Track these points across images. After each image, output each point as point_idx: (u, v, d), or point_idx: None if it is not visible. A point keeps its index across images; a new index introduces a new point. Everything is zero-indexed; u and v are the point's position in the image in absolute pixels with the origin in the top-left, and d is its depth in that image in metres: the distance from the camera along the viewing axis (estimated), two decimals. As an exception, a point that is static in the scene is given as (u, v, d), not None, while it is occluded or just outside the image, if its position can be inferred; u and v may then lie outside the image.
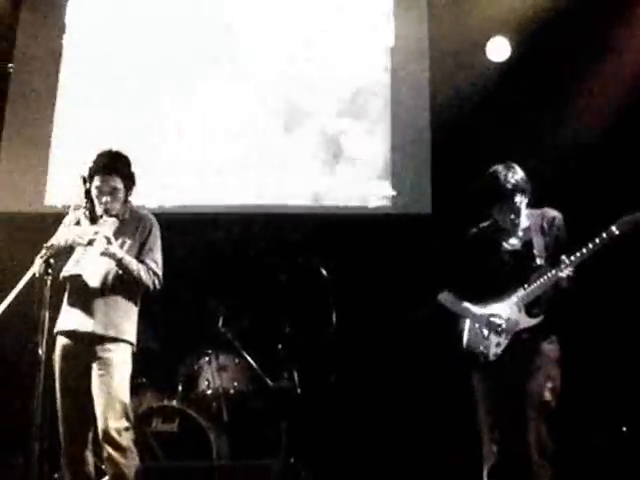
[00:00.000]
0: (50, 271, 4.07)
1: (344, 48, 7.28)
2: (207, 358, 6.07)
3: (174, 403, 5.84)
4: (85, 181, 4.43)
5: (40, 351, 4.03)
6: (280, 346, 6.10)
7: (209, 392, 5.98)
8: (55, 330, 4.63)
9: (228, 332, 6.16)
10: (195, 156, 7.14)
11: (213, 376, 6.00)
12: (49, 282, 4.06)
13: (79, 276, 4.53)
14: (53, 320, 4.33)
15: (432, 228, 6.52)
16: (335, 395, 5.89)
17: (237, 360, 6.12)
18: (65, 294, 4.70)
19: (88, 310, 4.57)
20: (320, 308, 5.88)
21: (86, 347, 4.56)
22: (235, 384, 6.03)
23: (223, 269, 6.63)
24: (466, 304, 4.60)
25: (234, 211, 7.01)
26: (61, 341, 4.64)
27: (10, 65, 7.65)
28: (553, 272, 4.27)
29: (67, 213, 4.50)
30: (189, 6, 7.55)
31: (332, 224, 6.82)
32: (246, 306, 6.36)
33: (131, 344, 4.66)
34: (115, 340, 4.57)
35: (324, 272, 5.91)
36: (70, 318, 4.63)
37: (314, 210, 6.97)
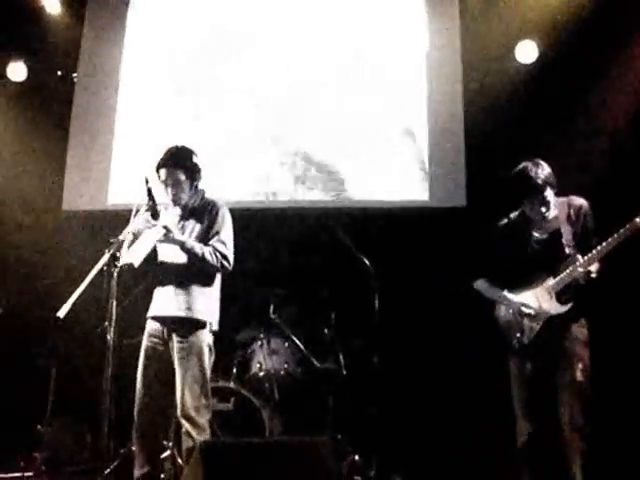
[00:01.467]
0: (117, 264, 4.17)
1: (382, 51, 7.28)
2: (259, 342, 6.13)
3: (229, 384, 5.91)
4: (147, 181, 4.48)
5: (109, 336, 4.12)
6: (326, 331, 6.16)
7: (261, 374, 6.04)
8: (147, 315, 4.80)
9: (278, 318, 6.23)
10: (251, 154, 7.20)
11: (265, 359, 6.05)
12: (116, 274, 4.15)
13: (131, 264, 4.58)
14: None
15: (467, 220, 6.51)
16: (377, 376, 5.89)
17: (287, 344, 6.16)
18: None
19: (169, 296, 4.71)
20: (363, 296, 5.91)
21: (168, 330, 4.68)
22: (285, 366, 6.08)
23: (274, 261, 6.70)
24: (501, 291, 4.60)
25: (284, 206, 7.09)
26: (148, 325, 4.80)
27: (74, 74, 7.77)
28: (581, 264, 4.26)
29: (130, 211, 4.55)
30: (246, 13, 7.58)
31: (373, 217, 6.88)
32: (295, 294, 6.40)
33: (210, 325, 4.73)
34: (194, 323, 4.66)
35: (367, 262, 5.93)
36: (155, 304, 4.79)
37: (357, 204, 7.00)
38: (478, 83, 6.90)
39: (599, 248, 4.24)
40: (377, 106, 7.14)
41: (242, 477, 3.40)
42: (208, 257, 4.64)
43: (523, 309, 4.44)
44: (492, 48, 6.89)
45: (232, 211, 4.95)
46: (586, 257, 4.27)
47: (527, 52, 6.89)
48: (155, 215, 4.57)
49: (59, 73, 7.85)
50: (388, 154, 7.03)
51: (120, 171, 7.38)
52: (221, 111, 7.35)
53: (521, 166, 4.49)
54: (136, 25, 7.78)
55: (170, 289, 4.71)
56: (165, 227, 4.57)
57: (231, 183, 6.88)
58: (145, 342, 4.76)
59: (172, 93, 7.49)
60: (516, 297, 4.51)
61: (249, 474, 3.43)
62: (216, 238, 4.73)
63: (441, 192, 6.91)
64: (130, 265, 4.52)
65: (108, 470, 5.24)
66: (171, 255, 4.72)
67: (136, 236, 4.64)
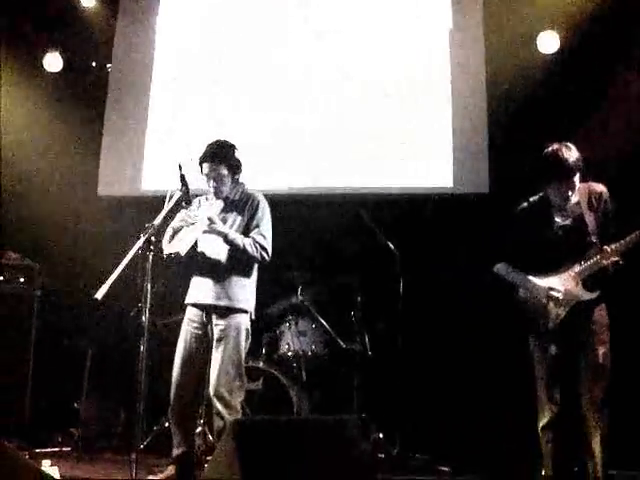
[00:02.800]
0: (152, 248, 4.17)
1: (405, 37, 7.20)
2: (287, 324, 6.16)
3: (259, 364, 5.93)
4: (180, 167, 4.49)
5: (144, 318, 4.13)
6: (353, 313, 6.15)
7: (290, 354, 6.07)
8: (185, 302, 4.84)
9: (306, 300, 6.24)
10: (277, 143, 7.17)
11: (293, 340, 6.07)
12: (150, 257, 4.16)
13: (177, 253, 4.62)
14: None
15: (490, 206, 6.46)
16: (401, 357, 5.88)
17: (314, 325, 6.18)
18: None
19: (207, 283, 4.74)
20: (389, 279, 5.89)
21: (207, 316, 4.73)
22: (313, 347, 6.10)
23: (302, 245, 6.70)
24: (524, 275, 4.53)
25: (312, 192, 7.07)
26: (188, 311, 4.84)
27: (109, 65, 7.78)
28: (609, 253, 4.20)
29: (164, 196, 4.54)
30: (274, 9, 7.53)
31: (398, 203, 6.85)
32: (323, 278, 6.40)
33: (247, 312, 4.77)
34: (231, 309, 4.69)
35: (392, 246, 5.91)
36: (195, 292, 4.82)
37: (382, 190, 6.95)
38: (501, 71, 6.81)
39: (628, 239, 4.17)
40: (401, 93, 7.07)
41: (273, 454, 3.39)
42: (248, 249, 4.68)
43: (552, 293, 4.35)
44: (514, 38, 6.82)
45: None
46: (614, 247, 4.20)
47: (548, 43, 6.82)
48: (188, 201, 4.59)
49: (94, 64, 7.88)
50: (412, 140, 6.96)
51: (154, 158, 7.39)
52: (251, 99, 7.31)
53: (552, 147, 4.35)
54: (169, 14, 7.77)
55: (210, 278, 4.75)
56: (209, 218, 4.61)
57: (261, 170, 6.85)
58: (184, 327, 4.80)
59: (205, 81, 7.46)
60: (542, 281, 4.43)
61: (280, 451, 3.41)
62: (256, 230, 4.77)
63: (465, 178, 6.85)
64: (177, 254, 4.59)
65: (142, 446, 5.25)
66: (212, 245, 4.75)
67: (176, 230, 4.70)
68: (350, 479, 3.51)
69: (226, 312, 4.69)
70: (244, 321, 4.74)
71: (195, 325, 4.76)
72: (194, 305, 4.81)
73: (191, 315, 4.80)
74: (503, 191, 6.42)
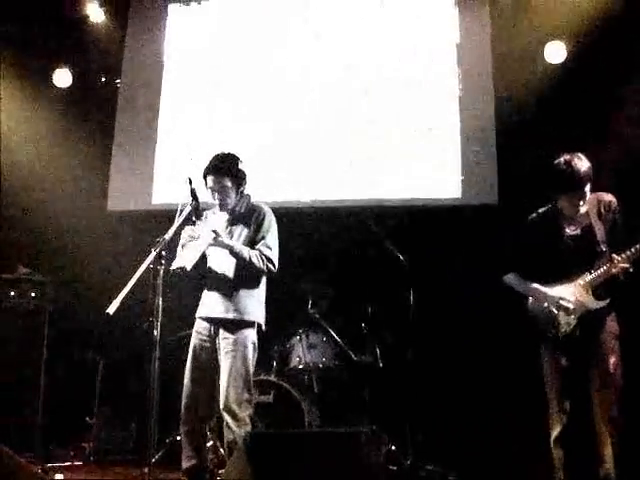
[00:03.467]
0: (163, 262, 4.19)
1: (412, 48, 7.21)
2: (298, 337, 6.15)
3: (270, 377, 5.93)
4: (190, 181, 4.51)
5: (155, 332, 4.14)
6: (363, 325, 6.15)
7: (301, 367, 6.07)
8: (196, 315, 4.87)
9: (316, 313, 6.24)
10: (288, 155, 7.20)
11: (304, 353, 6.07)
12: (161, 272, 4.17)
13: (183, 268, 4.63)
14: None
15: (499, 217, 6.46)
16: (412, 368, 5.88)
17: (325, 338, 6.16)
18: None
19: (218, 298, 4.76)
20: (399, 291, 5.90)
21: (215, 328, 4.74)
22: (323, 359, 6.09)
23: (312, 257, 6.71)
24: (534, 285, 4.53)
25: (321, 205, 7.08)
26: (197, 324, 4.86)
27: (117, 80, 7.82)
28: (619, 262, 4.20)
29: (174, 210, 4.56)
30: (280, 17, 7.57)
31: (407, 214, 6.84)
32: (333, 290, 6.40)
33: (255, 324, 4.77)
34: (240, 322, 4.70)
35: (401, 257, 5.91)
36: (204, 305, 4.85)
37: (391, 202, 6.95)
38: (509, 82, 6.82)
39: (638, 247, 4.17)
40: (409, 104, 7.08)
41: (285, 467, 3.40)
42: (255, 261, 4.68)
43: (562, 303, 4.35)
44: (522, 48, 6.83)
45: (273, 208, 4.98)
46: (623, 255, 4.20)
47: (556, 52, 6.83)
48: (198, 215, 4.61)
49: (103, 79, 7.93)
50: (420, 151, 6.96)
51: (163, 172, 7.42)
52: (259, 113, 7.34)
53: (563, 158, 4.35)
54: (176, 29, 7.81)
55: (218, 291, 4.76)
56: (214, 232, 4.62)
57: (268, 183, 6.87)
58: (193, 340, 4.82)
59: (212, 94, 7.49)
60: (552, 291, 4.43)
61: (292, 464, 3.43)
62: (262, 242, 4.77)
63: (473, 189, 6.84)
64: (182, 268, 4.62)
65: (154, 459, 5.26)
66: (219, 258, 4.76)
67: (183, 245, 4.72)
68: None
69: (234, 325, 4.70)
70: (251, 334, 4.75)
71: (203, 338, 4.77)
72: (203, 318, 4.82)
73: (199, 328, 4.82)
74: (512, 202, 6.41)
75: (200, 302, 4.89)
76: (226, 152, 4.91)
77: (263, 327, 4.84)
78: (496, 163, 6.81)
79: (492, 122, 6.89)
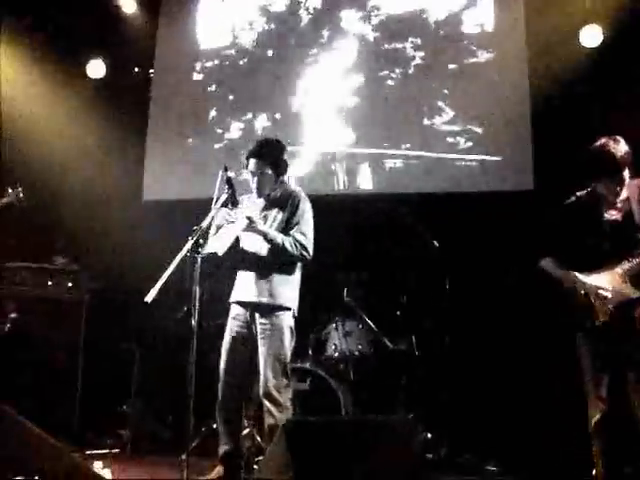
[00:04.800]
0: (200, 250, 4.20)
1: (446, 33, 7.16)
2: (334, 325, 6.15)
3: (306, 365, 5.94)
4: (226, 169, 4.52)
5: (193, 320, 4.16)
6: (399, 313, 6.14)
7: (336, 355, 6.06)
8: (230, 300, 4.87)
9: (352, 301, 6.22)
10: (320, 146, 7.18)
11: (340, 340, 6.06)
12: (199, 260, 4.18)
13: (215, 254, 4.63)
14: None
15: (534, 203, 6.40)
16: (448, 356, 5.87)
17: (361, 326, 6.15)
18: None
19: (252, 282, 4.75)
20: (434, 278, 5.88)
21: (251, 314, 4.74)
22: (359, 347, 6.08)
23: (348, 245, 6.68)
24: (570, 271, 4.47)
25: (358, 192, 7.08)
26: (232, 309, 4.86)
27: (151, 70, 7.86)
28: None
29: (210, 199, 4.57)
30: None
31: (442, 201, 6.81)
32: (369, 278, 6.39)
33: (290, 309, 4.76)
34: (274, 307, 4.70)
35: (436, 245, 5.89)
36: (238, 290, 4.85)
37: (426, 189, 6.92)
38: (544, 66, 6.74)
39: None
40: (444, 91, 7.04)
41: (325, 453, 3.41)
42: (288, 247, 4.67)
43: (600, 292, 4.29)
44: (557, 32, 6.73)
45: (309, 197, 4.97)
46: None
47: (591, 36, 6.74)
48: (235, 203, 4.61)
49: (136, 69, 7.97)
50: (455, 137, 6.91)
51: (198, 161, 7.43)
52: (293, 101, 7.35)
53: (600, 142, 4.28)
54: (208, 18, 7.83)
55: (252, 276, 4.76)
56: (249, 218, 4.61)
57: (294, 173, 6.88)
58: (229, 325, 4.83)
59: (245, 81, 7.52)
60: (589, 278, 4.37)
61: (332, 451, 3.43)
62: (296, 229, 4.75)
63: (509, 175, 6.79)
64: (214, 254, 4.59)
65: (191, 447, 5.29)
66: (254, 244, 4.76)
67: (219, 228, 4.69)
68: (400, 478, 3.51)
69: (269, 310, 4.70)
70: (287, 319, 4.75)
71: (239, 323, 4.78)
72: (238, 303, 4.83)
73: (235, 313, 4.83)
74: (547, 187, 6.36)
75: (234, 287, 4.90)
76: (271, 138, 4.93)
77: (296, 313, 4.83)
78: (531, 148, 6.74)
79: (527, 107, 6.81)
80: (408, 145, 7.01)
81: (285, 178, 4.93)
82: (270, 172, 4.78)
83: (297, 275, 4.87)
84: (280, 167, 4.84)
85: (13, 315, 5.99)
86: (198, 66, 7.73)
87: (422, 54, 7.16)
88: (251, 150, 4.81)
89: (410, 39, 7.20)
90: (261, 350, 4.66)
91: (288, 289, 4.78)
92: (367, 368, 6.10)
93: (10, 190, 5.30)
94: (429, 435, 5.86)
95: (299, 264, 4.86)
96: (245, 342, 4.74)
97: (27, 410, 3.64)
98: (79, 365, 6.34)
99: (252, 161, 4.78)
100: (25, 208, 5.83)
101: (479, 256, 6.43)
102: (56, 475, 3.52)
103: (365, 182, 7.08)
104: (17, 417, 3.65)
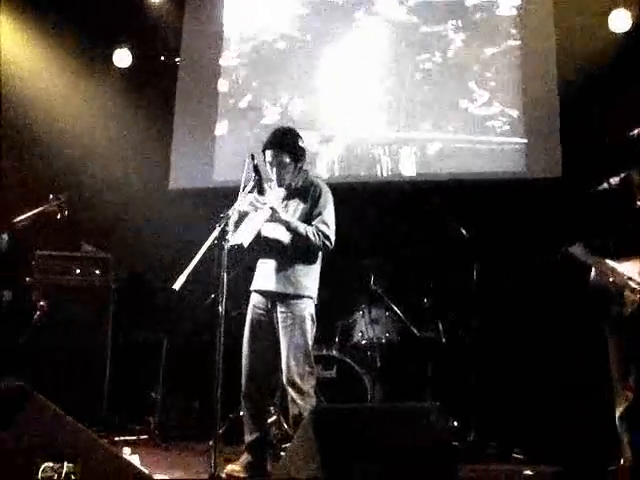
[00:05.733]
0: (226, 238, 4.20)
1: (473, 22, 7.10)
2: (361, 312, 6.15)
3: (333, 352, 5.94)
4: (253, 158, 4.51)
5: (220, 308, 4.16)
6: (426, 300, 6.12)
7: (363, 342, 6.07)
8: (250, 289, 4.86)
9: (379, 288, 6.20)
10: (349, 131, 7.14)
11: (366, 328, 6.07)
12: (226, 248, 4.18)
13: (241, 244, 4.63)
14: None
15: (563, 191, 6.34)
16: (475, 344, 5.84)
17: (387, 313, 6.16)
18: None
19: (271, 271, 4.73)
20: (462, 266, 5.84)
21: (271, 303, 4.73)
22: (386, 335, 6.09)
23: (375, 232, 6.67)
24: (600, 259, 4.42)
25: (386, 179, 7.02)
26: (253, 297, 4.85)
27: (177, 58, 7.86)
28: None
29: (236, 186, 4.57)
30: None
31: (469, 188, 6.76)
32: (396, 265, 6.37)
33: (311, 298, 4.75)
34: (295, 296, 4.68)
35: (464, 232, 5.86)
36: (259, 278, 4.83)
37: (454, 176, 6.87)
38: (572, 51, 6.65)
39: None
40: (471, 75, 6.99)
41: (352, 442, 3.39)
42: (311, 237, 4.65)
43: (630, 283, 4.24)
44: (585, 17, 6.67)
45: (332, 186, 4.95)
46: None
47: (620, 21, 6.65)
48: (261, 191, 4.61)
49: (162, 58, 7.97)
50: (483, 124, 6.87)
51: (224, 149, 7.44)
52: (319, 88, 7.33)
53: (637, 130, 4.25)
54: (235, 4, 7.83)
55: (273, 265, 4.74)
56: (272, 208, 4.59)
57: (328, 158, 6.86)
58: (250, 314, 4.82)
59: (271, 69, 7.49)
60: (619, 266, 4.32)
61: (359, 439, 3.42)
62: (319, 219, 4.73)
63: (537, 162, 6.72)
64: (240, 245, 4.58)
65: (218, 434, 5.31)
66: (275, 233, 4.75)
67: (241, 215, 4.67)
68: (431, 466, 3.49)
69: (291, 299, 4.69)
70: (309, 307, 4.73)
71: (260, 312, 4.77)
72: (258, 292, 4.82)
73: (256, 302, 4.82)
74: (576, 175, 6.30)
75: (255, 275, 4.89)
76: (286, 127, 4.89)
77: (316, 302, 4.81)
78: (560, 135, 6.67)
79: (555, 93, 6.73)
80: (447, 129, 6.97)
81: (304, 166, 4.90)
82: (289, 161, 4.75)
83: (318, 264, 4.86)
84: (298, 155, 4.80)
85: (42, 303, 6.02)
86: (226, 53, 7.71)
87: (460, 37, 7.10)
88: (268, 140, 4.78)
89: (449, 22, 7.14)
90: (283, 339, 4.65)
91: (309, 278, 4.77)
92: (394, 356, 6.10)
93: (51, 196, 5.29)
94: (455, 423, 5.84)
95: (320, 254, 4.85)
96: (266, 331, 4.73)
97: (56, 397, 3.65)
98: (107, 352, 6.36)
99: (269, 152, 4.76)
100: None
101: (507, 244, 6.39)
102: (86, 461, 3.53)
103: (401, 167, 7.00)
104: (47, 403, 3.66)
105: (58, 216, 5.29)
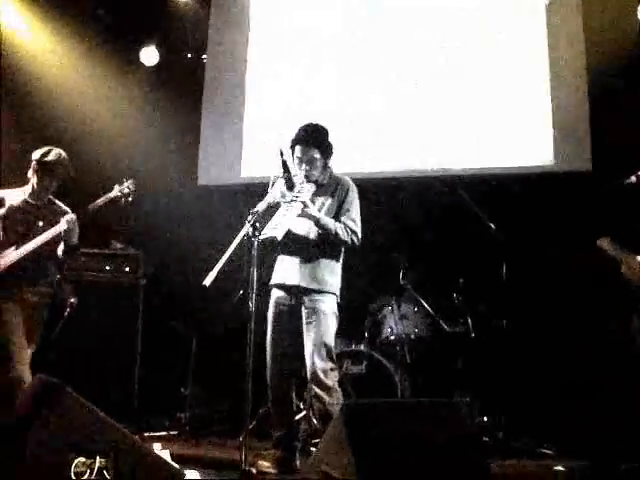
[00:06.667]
0: (257, 233, 4.19)
1: (501, 12, 7.01)
2: (390, 307, 6.13)
3: (362, 348, 5.93)
4: (282, 153, 4.50)
5: (250, 304, 4.15)
6: (455, 295, 6.08)
7: (392, 338, 6.06)
8: (270, 283, 4.85)
9: (408, 284, 6.19)
10: (377, 127, 7.08)
11: (396, 323, 6.05)
12: (256, 243, 4.17)
13: (274, 238, 4.62)
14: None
15: (592, 184, 6.27)
16: (505, 339, 5.80)
17: (416, 308, 6.15)
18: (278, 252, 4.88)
19: (294, 266, 4.73)
20: (491, 260, 5.81)
21: (294, 298, 4.73)
22: (415, 330, 6.08)
23: (404, 228, 6.64)
24: (630, 252, 4.38)
25: (412, 175, 6.96)
26: (274, 293, 4.84)
27: (204, 56, 7.87)
28: None
29: (264, 182, 4.56)
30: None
31: (500, 183, 6.69)
32: (425, 260, 6.35)
33: (335, 295, 4.75)
34: (319, 292, 4.68)
35: (493, 227, 5.82)
36: (281, 273, 4.82)
37: (482, 170, 6.81)
38: (601, 43, 6.58)
39: None
40: (499, 67, 6.90)
41: (383, 437, 3.38)
42: (340, 233, 4.67)
43: None
44: (614, 8, 6.59)
45: (361, 181, 4.93)
46: None
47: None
48: (291, 186, 4.60)
49: (189, 55, 7.99)
50: (511, 117, 6.78)
51: (252, 145, 7.43)
52: (346, 81, 7.28)
53: None
54: (260, 2, 7.83)
55: (297, 260, 4.74)
56: (304, 203, 4.60)
57: (357, 154, 6.83)
58: (272, 309, 4.82)
59: (298, 64, 7.47)
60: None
61: (390, 434, 3.40)
62: (346, 215, 4.75)
63: (566, 155, 6.64)
64: (273, 239, 4.58)
65: (248, 428, 5.32)
66: (301, 228, 4.74)
67: (271, 211, 4.67)
68: (461, 461, 3.47)
69: (315, 295, 4.68)
70: (332, 303, 4.73)
71: (283, 307, 4.76)
72: (281, 287, 4.81)
73: (278, 297, 4.81)
74: (606, 168, 6.23)
75: (275, 270, 4.89)
76: (315, 123, 4.87)
77: (339, 299, 4.81)
78: (589, 128, 6.60)
79: (584, 85, 6.65)
80: (464, 123, 6.91)
81: (330, 162, 4.89)
82: (318, 157, 4.76)
83: (341, 260, 4.86)
84: (327, 151, 4.81)
85: (72, 300, 6.04)
86: (251, 49, 7.70)
87: (474, 31, 7.03)
88: (297, 136, 4.78)
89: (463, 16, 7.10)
90: (306, 335, 4.66)
91: (333, 275, 4.77)
92: (423, 351, 6.10)
93: (117, 186, 5.30)
94: (485, 418, 5.81)
95: (343, 251, 4.85)
96: (289, 326, 4.73)
97: (87, 393, 3.66)
98: (137, 349, 6.39)
99: (298, 148, 4.76)
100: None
101: (537, 238, 6.35)
102: (117, 456, 3.55)
103: (430, 162, 6.94)
104: (79, 398, 3.68)
105: (123, 201, 5.27)
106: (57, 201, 5.19)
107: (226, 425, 6.45)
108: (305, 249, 4.73)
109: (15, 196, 5.07)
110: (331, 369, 4.64)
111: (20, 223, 5.00)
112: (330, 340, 4.66)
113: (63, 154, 5.08)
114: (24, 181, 5.10)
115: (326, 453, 3.62)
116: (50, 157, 5.00)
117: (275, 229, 4.60)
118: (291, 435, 4.76)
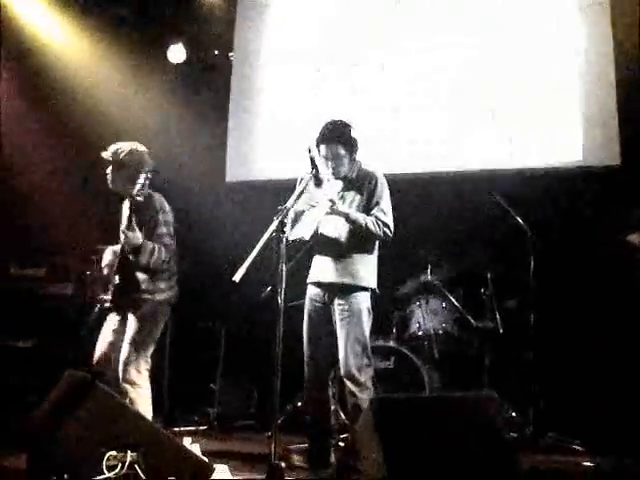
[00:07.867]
0: (285, 230, 4.19)
1: (533, 8, 6.93)
2: (418, 303, 6.14)
3: (390, 343, 5.93)
4: (310, 151, 4.50)
5: (279, 299, 4.15)
6: (484, 290, 6.06)
7: (420, 333, 6.06)
8: (307, 281, 4.88)
9: (436, 279, 6.18)
10: (403, 127, 7.06)
11: (424, 319, 6.06)
12: (284, 239, 4.17)
13: (302, 238, 4.64)
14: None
15: (621, 179, 6.22)
16: (533, 334, 5.76)
17: (444, 304, 6.13)
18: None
19: (328, 263, 4.75)
20: (519, 256, 5.78)
21: (329, 295, 4.73)
22: (443, 325, 6.06)
23: (433, 224, 6.62)
24: None
25: (442, 171, 6.92)
26: (310, 290, 4.86)
27: (231, 54, 7.89)
28: None
29: (296, 180, 4.56)
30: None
31: (528, 179, 6.63)
32: (453, 256, 6.34)
33: (369, 289, 4.73)
34: (353, 287, 4.68)
35: (522, 222, 5.79)
36: (315, 270, 4.84)
37: (510, 167, 6.74)
38: (630, 38, 6.52)
39: None
40: (528, 66, 6.82)
41: (412, 432, 3.37)
42: (371, 227, 4.65)
43: None
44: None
45: (391, 178, 4.92)
46: None
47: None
48: (318, 184, 4.60)
49: (216, 52, 8.01)
50: (540, 114, 6.70)
51: (280, 142, 7.40)
52: (369, 80, 7.25)
53: None
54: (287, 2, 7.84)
55: (331, 256, 4.75)
56: (331, 200, 4.61)
57: (386, 151, 6.80)
58: (307, 306, 4.84)
59: (323, 62, 7.46)
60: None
61: (419, 429, 3.39)
62: (377, 208, 4.73)
63: (595, 151, 6.55)
64: (302, 238, 4.63)
65: (277, 423, 5.33)
66: (332, 225, 4.75)
67: (299, 209, 4.70)
68: (490, 456, 3.45)
69: (348, 290, 4.68)
70: (366, 299, 4.72)
71: (317, 304, 4.78)
72: (316, 284, 4.83)
73: (313, 294, 4.83)
74: (636, 163, 6.17)
75: (311, 268, 4.90)
76: (338, 119, 4.86)
77: (377, 291, 4.80)
78: (618, 123, 6.53)
79: (613, 80, 6.58)
80: (492, 122, 6.86)
81: (356, 156, 4.87)
82: (344, 152, 4.75)
83: (375, 254, 4.85)
84: (352, 146, 4.80)
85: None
86: (277, 47, 7.70)
87: (505, 30, 6.97)
88: (321, 134, 4.77)
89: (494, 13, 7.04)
90: (340, 331, 4.66)
91: (367, 269, 4.76)
92: (451, 346, 6.09)
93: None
94: (514, 414, 5.78)
95: (377, 244, 4.84)
96: (323, 322, 4.74)
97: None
98: (167, 344, 6.41)
99: (323, 146, 4.75)
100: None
101: (565, 233, 6.31)
102: (148, 449, 3.58)
103: (459, 159, 6.89)
104: (110, 393, 3.72)
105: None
106: None
107: (255, 420, 6.49)
108: (337, 245, 4.74)
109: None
110: (366, 365, 4.64)
111: None
112: (365, 336, 4.67)
113: None
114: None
115: (355, 447, 3.62)
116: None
117: (302, 229, 4.67)
118: (324, 429, 4.79)
